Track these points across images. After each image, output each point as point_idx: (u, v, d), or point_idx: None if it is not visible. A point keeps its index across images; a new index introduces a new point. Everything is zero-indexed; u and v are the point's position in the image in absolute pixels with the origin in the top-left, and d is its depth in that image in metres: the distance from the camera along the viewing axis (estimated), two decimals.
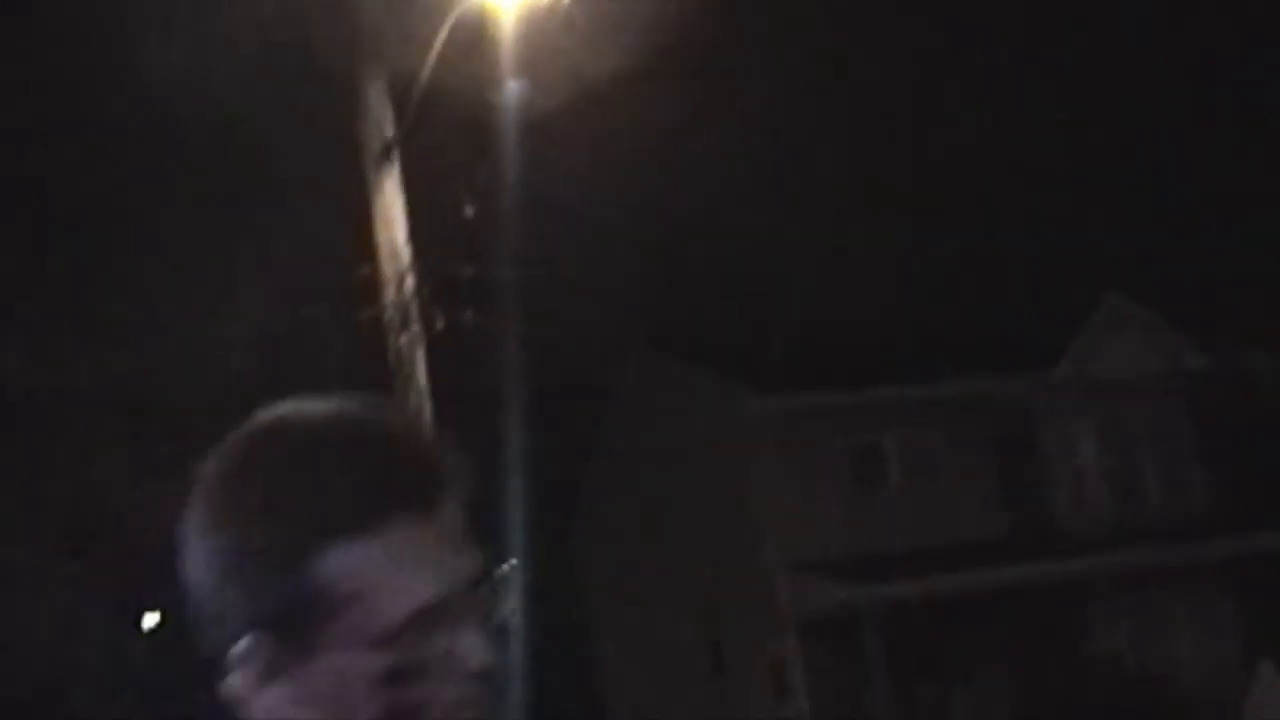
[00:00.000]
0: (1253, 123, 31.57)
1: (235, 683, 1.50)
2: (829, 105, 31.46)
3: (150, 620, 20.45)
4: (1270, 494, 28.07)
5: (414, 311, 13.26)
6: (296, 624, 1.47)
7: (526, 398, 15.40)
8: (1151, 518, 28.74)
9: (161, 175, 18.83)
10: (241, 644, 1.48)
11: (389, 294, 13.41)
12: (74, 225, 18.63)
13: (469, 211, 13.19)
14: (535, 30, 13.15)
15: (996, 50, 33.12)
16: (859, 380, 27.70)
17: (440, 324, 13.29)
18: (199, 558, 1.52)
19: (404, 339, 13.24)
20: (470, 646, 1.50)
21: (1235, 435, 29.23)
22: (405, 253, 13.52)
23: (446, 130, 14.26)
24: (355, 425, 1.54)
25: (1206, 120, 32.91)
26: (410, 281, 13.35)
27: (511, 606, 1.61)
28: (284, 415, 1.56)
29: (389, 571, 1.48)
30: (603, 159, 22.50)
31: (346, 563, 1.47)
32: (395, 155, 13.76)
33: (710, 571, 28.08)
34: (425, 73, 13.05)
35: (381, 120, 13.93)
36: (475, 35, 13.15)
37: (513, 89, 13.39)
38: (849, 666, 26.37)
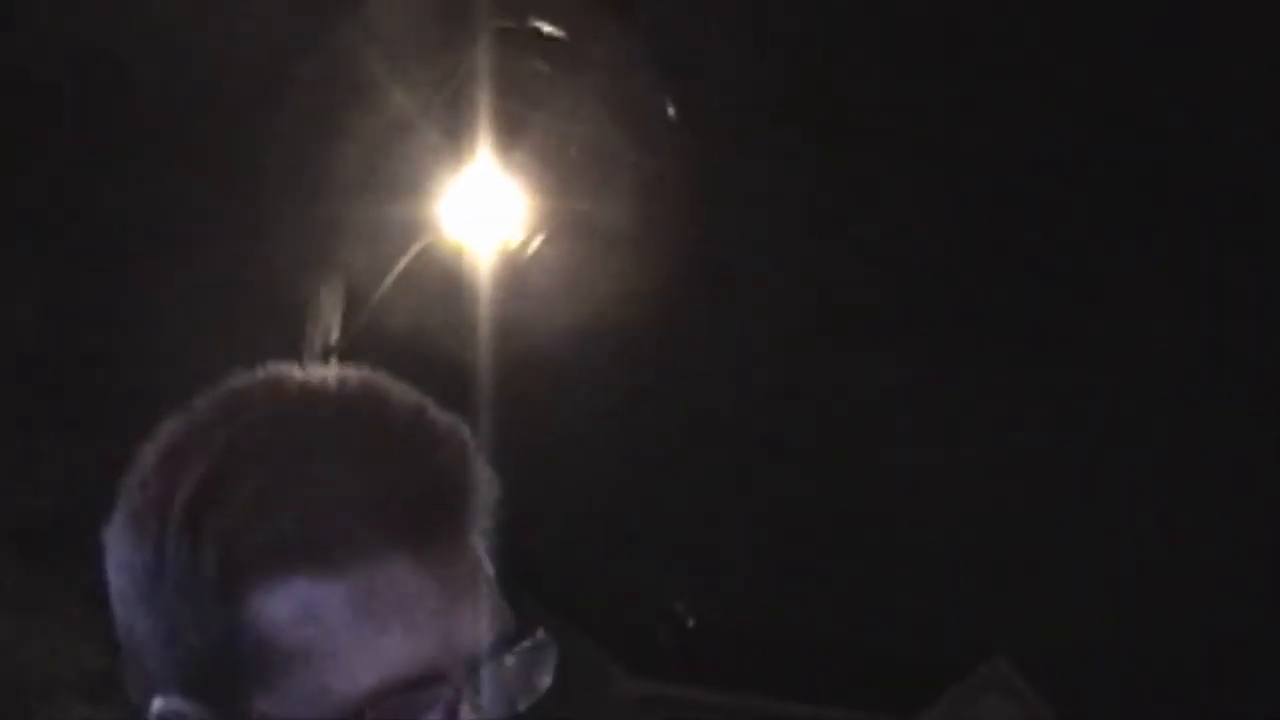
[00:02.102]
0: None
1: None
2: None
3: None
4: None
5: None
6: (228, 685, 1.08)
7: None
8: None
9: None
10: (157, 704, 1.11)
11: None
12: None
13: None
14: (503, 272, 13.48)
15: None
16: (733, 683, 27.77)
17: None
18: (114, 576, 1.14)
19: None
20: None
21: None
22: None
23: (391, 352, 14.50)
24: (361, 411, 1.16)
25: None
26: None
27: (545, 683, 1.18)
28: (268, 380, 1.19)
29: (358, 624, 1.07)
30: (554, 412, 22.81)
31: (300, 606, 1.07)
32: (333, 363, 13.96)
33: None
34: (378, 293, 13.35)
35: (329, 325, 14.18)
36: (441, 267, 13.47)
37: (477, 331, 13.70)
38: None
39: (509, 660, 1.16)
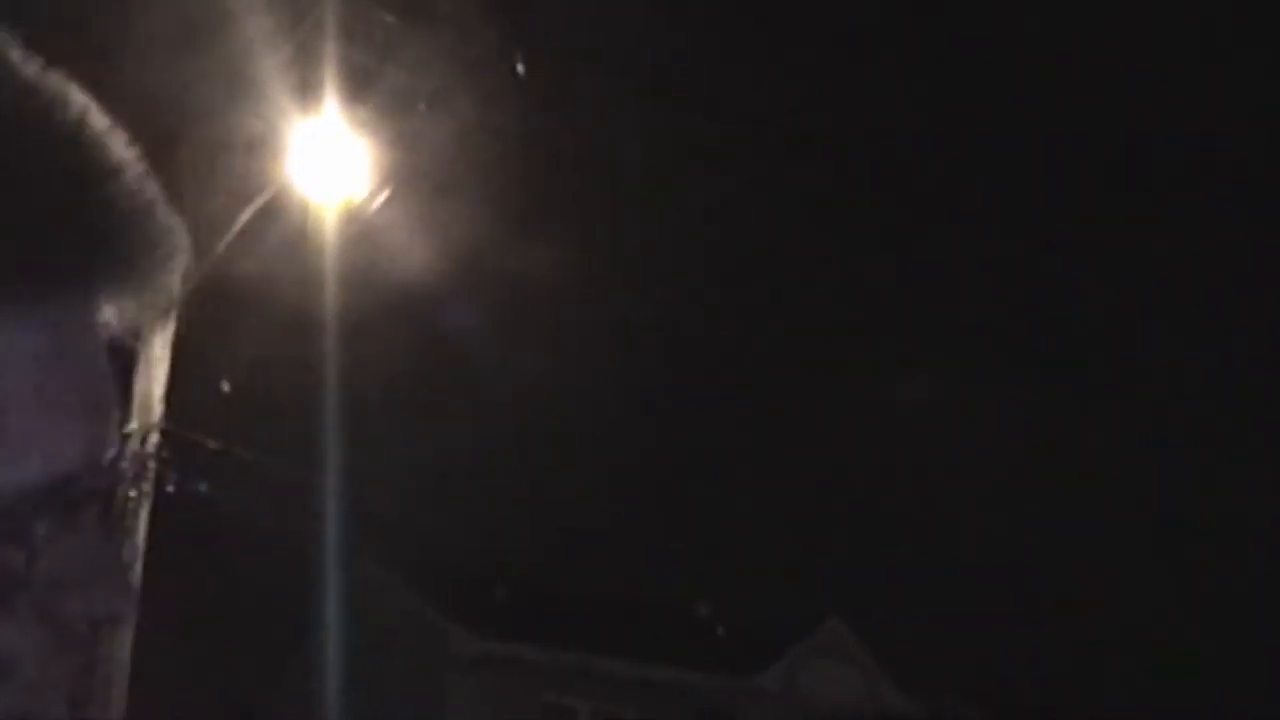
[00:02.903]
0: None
1: None
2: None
3: None
4: None
5: (150, 468, 13.29)
6: None
7: (239, 575, 15.34)
8: None
9: None
10: None
11: (131, 444, 13.43)
12: None
13: (225, 387, 13.38)
14: (348, 226, 13.45)
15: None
16: (570, 643, 27.92)
17: (171, 487, 13.33)
18: None
19: (133, 492, 13.25)
20: (76, 553, 0.92)
21: None
22: (158, 409, 13.59)
23: (236, 304, 14.42)
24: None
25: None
26: (154, 438, 13.40)
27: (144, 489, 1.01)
28: None
29: None
30: (394, 364, 22.71)
31: None
32: (173, 314, 13.88)
33: None
34: (221, 244, 13.27)
35: None
36: (287, 220, 13.41)
37: (323, 283, 13.66)
38: None
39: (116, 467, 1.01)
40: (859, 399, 33.30)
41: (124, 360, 1.00)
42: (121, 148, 0.96)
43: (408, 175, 13.24)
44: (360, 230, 13.51)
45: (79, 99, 0.96)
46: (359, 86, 13.04)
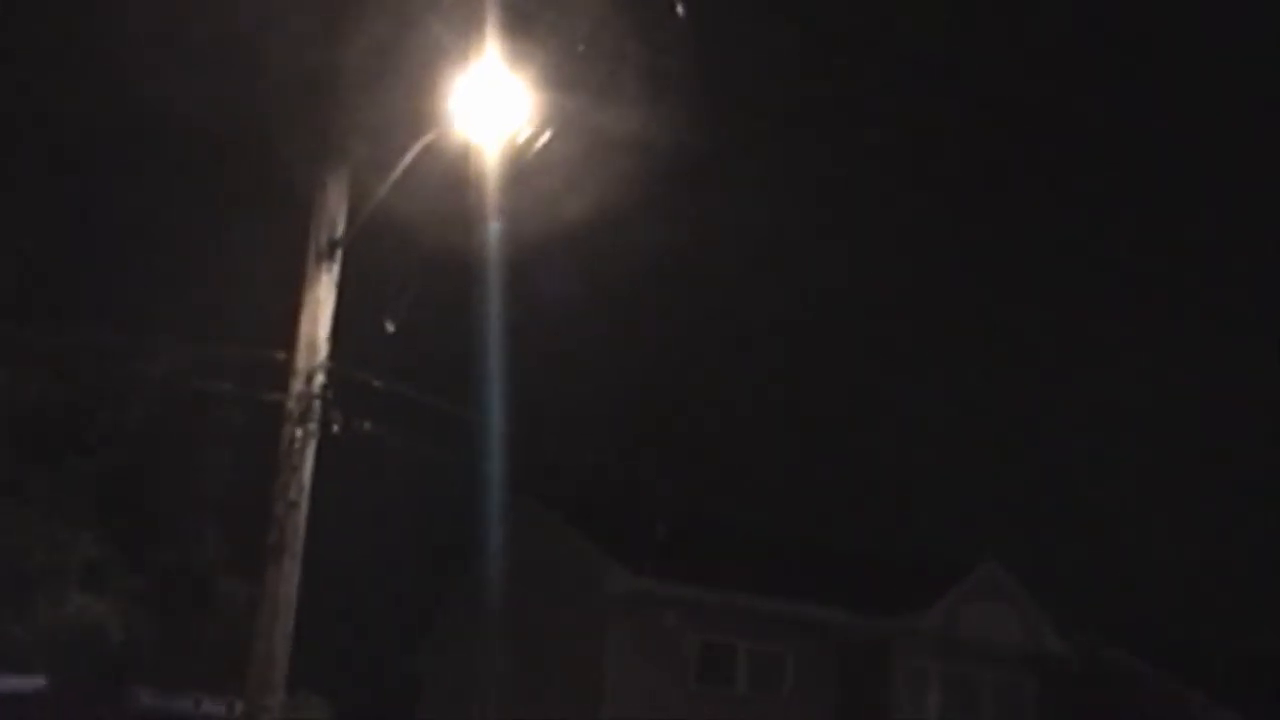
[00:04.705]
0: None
1: None
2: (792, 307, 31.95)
3: None
4: None
5: (316, 408, 13.51)
6: None
7: (402, 511, 15.54)
8: None
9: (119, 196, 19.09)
10: None
11: (297, 385, 13.65)
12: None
13: (389, 327, 13.55)
14: (509, 166, 13.51)
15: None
16: (727, 582, 28.00)
17: (338, 427, 13.54)
18: None
19: (299, 431, 13.47)
20: None
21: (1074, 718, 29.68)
22: (323, 349, 13.79)
23: (395, 247, 14.55)
24: None
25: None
26: (320, 378, 13.61)
27: None
28: None
29: None
30: (557, 302, 22.81)
31: None
32: (338, 255, 14.06)
33: None
34: (385, 186, 13.42)
35: (335, 219, 14.23)
36: (448, 162, 13.51)
37: (489, 227, 13.76)
38: None
39: None
40: (1022, 343, 33.03)
41: None
42: None
43: (567, 116, 13.26)
44: (521, 170, 13.58)
45: None
46: (519, 29, 13.09)
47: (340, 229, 14.16)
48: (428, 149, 13.36)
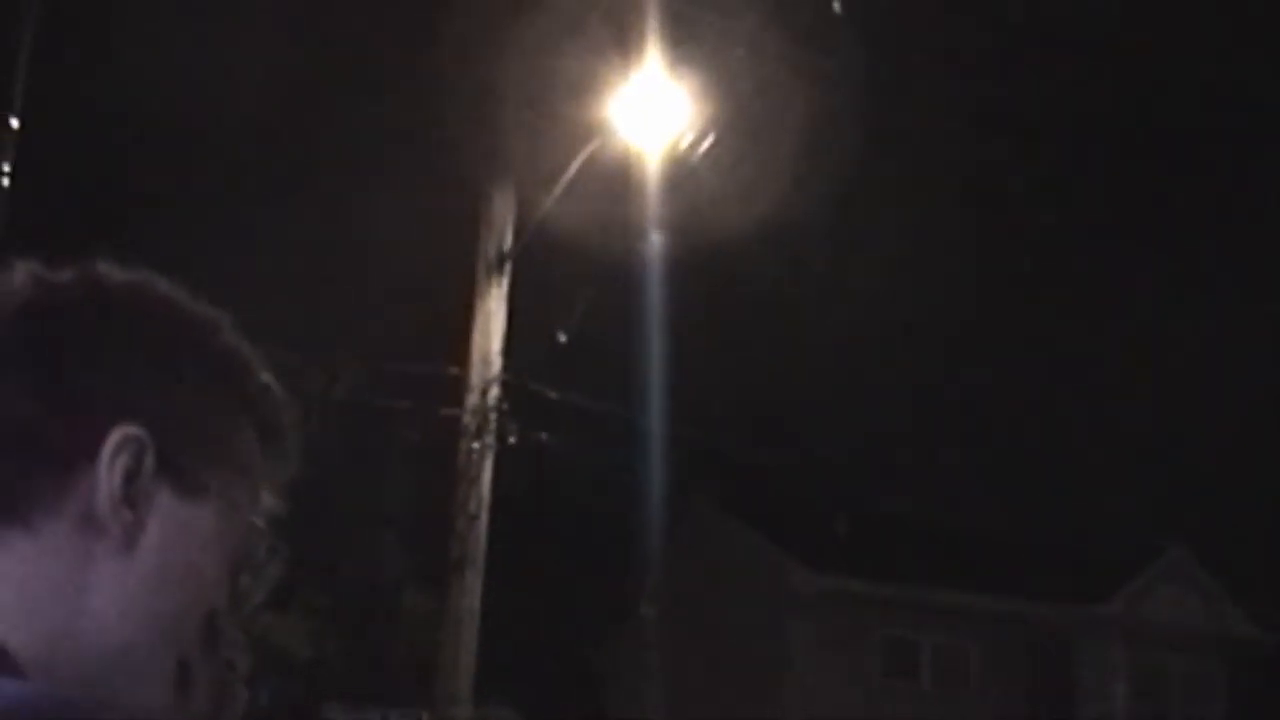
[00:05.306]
0: None
1: None
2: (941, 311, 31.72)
3: None
4: None
5: (491, 420, 13.60)
6: None
7: (579, 519, 15.57)
8: None
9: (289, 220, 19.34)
10: None
11: (472, 399, 13.75)
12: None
13: (561, 338, 13.62)
14: (671, 174, 13.51)
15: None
16: (909, 577, 27.84)
17: (513, 438, 13.62)
18: None
19: (476, 444, 13.57)
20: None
21: (1268, 709, 29.11)
22: (496, 363, 13.88)
23: (561, 256, 14.60)
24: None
25: None
26: (495, 391, 13.70)
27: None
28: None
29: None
30: (714, 310, 22.80)
31: None
32: (508, 268, 14.15)
33: None
34: (551, 197, 13.47)
35: (502, 232, 14.31)
36: (610, 169, 13.54)
37: (648, 235, 13.78)
38: None
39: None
40: (1201, 327, 32.51)
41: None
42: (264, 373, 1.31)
43: (729, 120, 13.24)
44: (684, 175, 13.56)
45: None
46: (680, 35, 13.09)
47: (508, 241, 14.24)
48: (591, 158, 13.39)
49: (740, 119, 13.42)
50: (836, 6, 12.70)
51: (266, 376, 1.30)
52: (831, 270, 26.34)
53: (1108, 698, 29.06)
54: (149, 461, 1.18)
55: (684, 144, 13.34)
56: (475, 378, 13.80)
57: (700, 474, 30.25)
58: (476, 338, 13.98)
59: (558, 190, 13.42)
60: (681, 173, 13.53)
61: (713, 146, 13.26)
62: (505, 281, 14.17)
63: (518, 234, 14.20)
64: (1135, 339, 32.90)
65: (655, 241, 13.99)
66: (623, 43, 13.39)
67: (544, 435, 13.78)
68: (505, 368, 13.90)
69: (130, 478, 1.16)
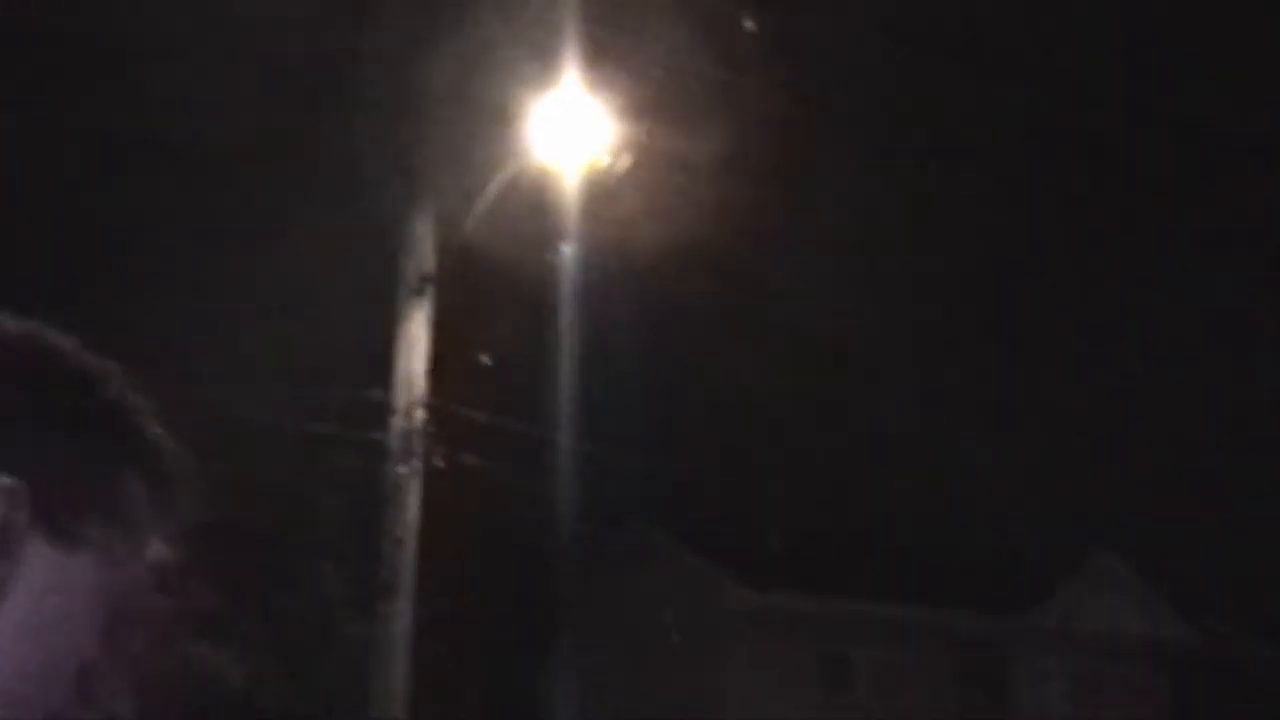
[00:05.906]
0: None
1: None
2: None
3: None
4: None
5: (417, 444, 13.56)
6: None
7: (509, 543, 15.56)
8: None
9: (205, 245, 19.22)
10: None
11: (396, 422, 13.71)
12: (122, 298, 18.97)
13: (485, 360, 13.61)
14: (591, 193, 13.52)
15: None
16: (841, 591, 27.93)
17: (440, 461, 13.59)
18: None
19: (402, 469, 13.54)
20: None
21: (1205, 712, 29.27)
22: (420, 385, 13.85)
23: (482, 277, 14.57)
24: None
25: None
26: (420, 414, 13.67)
27: None
28: None
29: None
30: (638, 329, 22.78)
31: None
32: (429, 291, 14.12)
33: None
34: (471, 219, 13.47)
35: (423, 254, 14.28)
36: (531, 190, 13.55)
37: (563, 251, 13.78)
38: None
39: None
40: (1123, 333, 32.73)
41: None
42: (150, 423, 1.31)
43: (647, 142, 13.26)
44: (602, 196, 13.59)
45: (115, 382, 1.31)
46: (598, 56, 13.11)
47: (430, 264, 14.21)
48: (511, 181, 13.40)
49: (660, 137, 13.45)
50: (750, 25, 12.77)
51: (154, 427, 1.31)
52: (758, 285, 26.37)
53: (1044, 706, 29.21)
54: (22, 514, 1.18)
55: (603, 164, 13.36)
56: (400, 401, 13.77)
57: (634, 492, 30.27)
58: (399, 361, 13.95)
59: (478, 212, 13.42)
60: (601, 191, 13.56)
61: (633, 165, 13.30)
62: (427, 304, 14.14)
63: (439, 256, 14.18)
64: (1058, 349, 33.10)
65: (567, 254, 13.99)
66: (541, 62, 13.41)
67: (470, 459, 13.76)
68: (432, 391, 13.86)
69: (4, 529, 1.16)
